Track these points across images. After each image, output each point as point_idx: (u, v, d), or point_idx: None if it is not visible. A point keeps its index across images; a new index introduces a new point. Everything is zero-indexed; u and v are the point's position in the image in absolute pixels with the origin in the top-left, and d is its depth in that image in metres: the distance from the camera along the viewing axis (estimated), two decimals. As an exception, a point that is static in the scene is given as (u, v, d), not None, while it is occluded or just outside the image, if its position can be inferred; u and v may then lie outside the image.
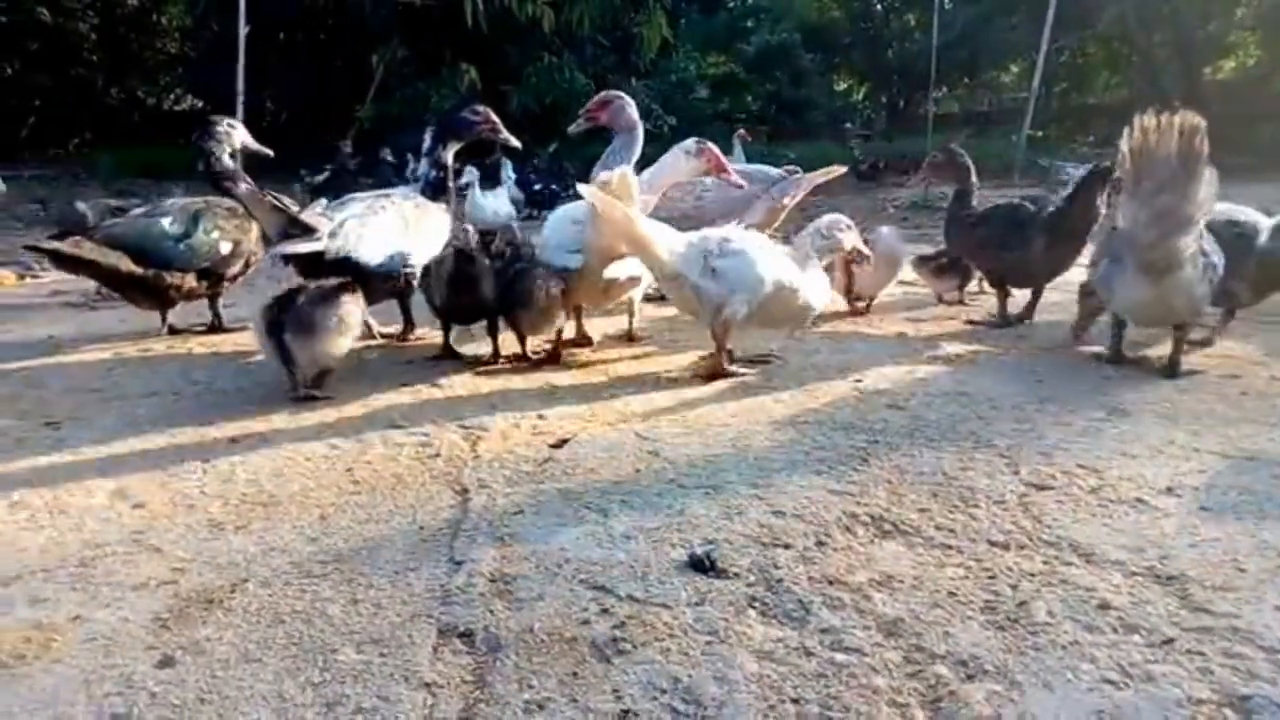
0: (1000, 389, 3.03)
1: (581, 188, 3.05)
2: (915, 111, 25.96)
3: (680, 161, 3.81)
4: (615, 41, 15.65)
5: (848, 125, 26.53)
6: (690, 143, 3.80)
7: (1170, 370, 3.16)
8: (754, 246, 3.17)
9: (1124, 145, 2.85)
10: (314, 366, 3.01)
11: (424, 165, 3.83)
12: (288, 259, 3.17)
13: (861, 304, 4.48)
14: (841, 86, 29.25)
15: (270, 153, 4.28)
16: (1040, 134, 19.32)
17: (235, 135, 4.02)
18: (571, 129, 4.32)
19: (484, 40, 13.49)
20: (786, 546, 1.84)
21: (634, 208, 3.03)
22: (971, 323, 4.16)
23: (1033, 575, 1.71)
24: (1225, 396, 2.90)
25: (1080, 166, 11.64)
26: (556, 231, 3.48)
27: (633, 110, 4.04)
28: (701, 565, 1.74)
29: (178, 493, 2.21)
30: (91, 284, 4.76)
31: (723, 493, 2.13)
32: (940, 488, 2.15)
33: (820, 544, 1.86)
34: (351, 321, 3.02)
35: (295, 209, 3.38)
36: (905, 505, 2.05)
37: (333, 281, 3.03)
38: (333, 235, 3.20)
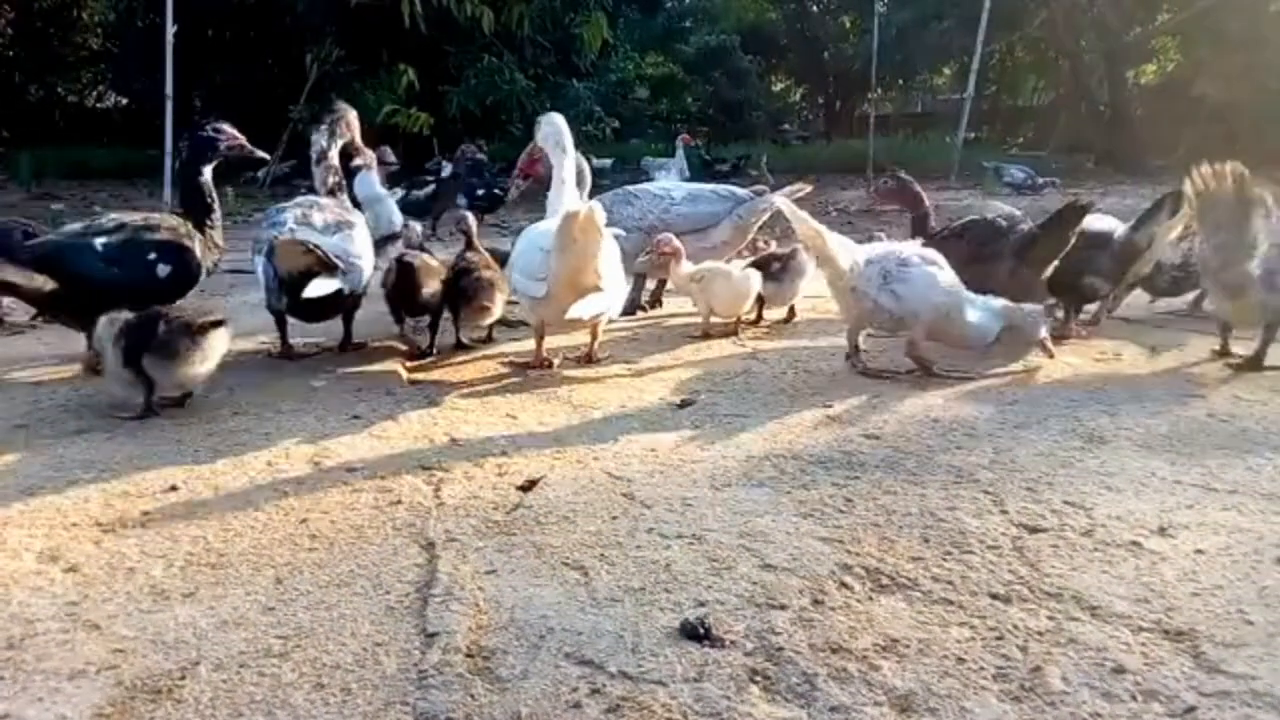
0: (972, 413, 2.98)
1: None
2: (852, 113, 26.27)
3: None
4: (555, 42, 15.44)
5: (786, 126, 26.75)
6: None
7: (1253, 363, 3.45)
8: (931, 270, 3.35)
9: (1188, 189, 3.36)
10: (176, 390, 3.08)
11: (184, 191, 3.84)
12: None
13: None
14: (779, 88, 29.43)
15: (265, 155, 4.13)
16: (974, 135, 19.66)
17: (222, 140, 3.79)
18: (510, 195, 4.33)
19: (422, 41, 13.17)
20: (782, 607, 1.74)
21: (605, 239, 2.96)
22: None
23: (1040, 634, 1.64)
24: (1194, 420, 2.89)
25: (1024, 169, 11.84)
26: (523, 257, 3.37)
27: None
28: (695, 633, 1.63)
29: (115, 553, 2.03)
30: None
31: (707, 543, 2.02)
32: (930, 530, 2.08)
33: (817, 603, 1.76)
34: (217, 350, 3.03)
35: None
36: (898, 553, 1.97)
37: (210, 317, 3.01)
38: (344, 273, 3.36)
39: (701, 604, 1.75)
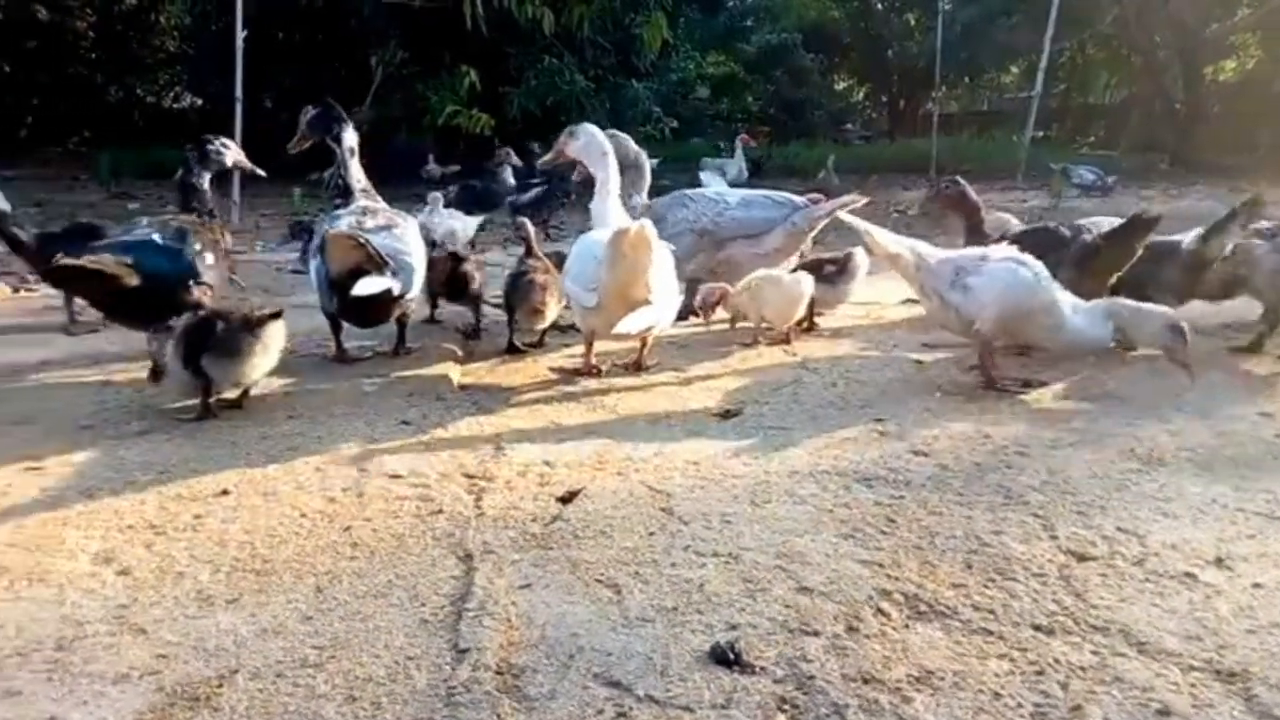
0: (1026, 430, 2.90)
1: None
2: (916, 112, 25.84)
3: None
4: (615, 43, 15.46)
5: (848, 126, 26.42)
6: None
7: None
8: (1010, 266, 3.22)
9: None
10: (234, 388, 3.18)
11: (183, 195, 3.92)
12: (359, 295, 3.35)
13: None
14: (841, 86, 29.09)
15: (263, 173, 4.20)
16: (1041, 134, 19.19)
17: (227, 155, 3.94)
18: (545, 161, 4.26)
19: (484, 42, 13.31)
20: (815, 634, 1.72)
21: (656, 253, 3.00)
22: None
23: (1083, 670, 1.59)
24: (1262, 441, 2.78)
25: (1094, 170, 11.49)
26: (576, 265, 3.40)
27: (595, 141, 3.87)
28: (725, 657, 1.62)
29: (165, 556, 2.08)
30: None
31: (743, 563, 2.00)
32: (974, 555, 2.03)
33: (851, 630, 1.73)
34: (274, 346, 3.13)
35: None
36: (939, 579, 1.93)
37: (265, 310, 3.13)
38: (394, 272, 3.43)
39: (733, 627, 1.74)
